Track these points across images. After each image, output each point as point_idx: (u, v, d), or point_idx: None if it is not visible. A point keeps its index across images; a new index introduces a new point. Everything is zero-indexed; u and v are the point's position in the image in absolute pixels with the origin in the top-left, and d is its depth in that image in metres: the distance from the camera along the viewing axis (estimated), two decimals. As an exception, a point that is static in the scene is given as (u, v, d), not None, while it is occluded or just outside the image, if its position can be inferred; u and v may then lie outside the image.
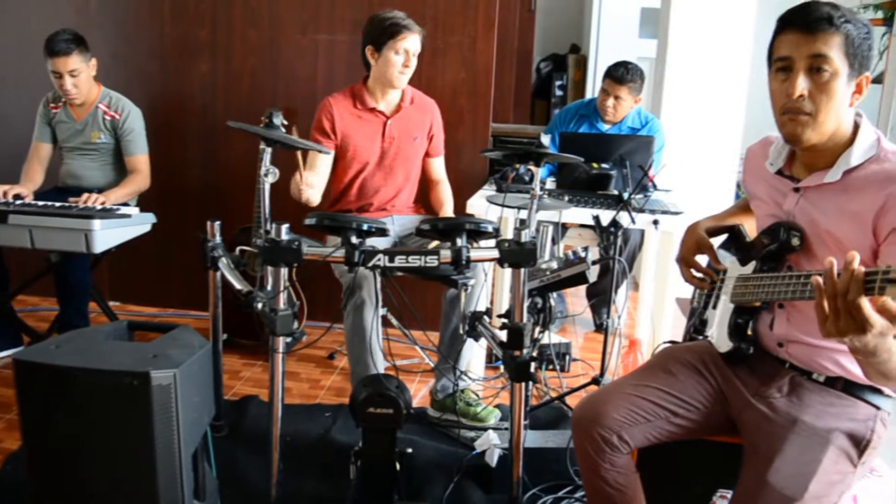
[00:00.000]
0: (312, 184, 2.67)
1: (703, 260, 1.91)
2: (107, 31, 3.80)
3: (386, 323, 2.81)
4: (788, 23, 1.54)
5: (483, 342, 2.45)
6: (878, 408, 1.60)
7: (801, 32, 1.51)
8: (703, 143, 4.37)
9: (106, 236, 2.85)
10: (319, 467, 2.50)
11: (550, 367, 3.21)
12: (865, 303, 1.19)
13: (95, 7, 3.80)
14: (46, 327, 3.43)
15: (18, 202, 3.04)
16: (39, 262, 3.12)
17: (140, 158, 3.37)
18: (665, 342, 2.18)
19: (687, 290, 2.06)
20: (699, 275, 1.91)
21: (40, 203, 3.03)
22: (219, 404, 2.53)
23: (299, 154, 2.43)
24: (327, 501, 2.31)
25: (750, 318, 1.75)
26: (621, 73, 3.54)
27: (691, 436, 1.78)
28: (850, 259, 1.20)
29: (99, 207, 2.99)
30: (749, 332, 1.75)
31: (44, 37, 3.14)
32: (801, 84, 1.51)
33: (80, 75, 3.18)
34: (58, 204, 3.00)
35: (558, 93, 7.58)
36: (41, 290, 3.53)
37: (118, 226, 2.91)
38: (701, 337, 1.93)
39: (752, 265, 1.74)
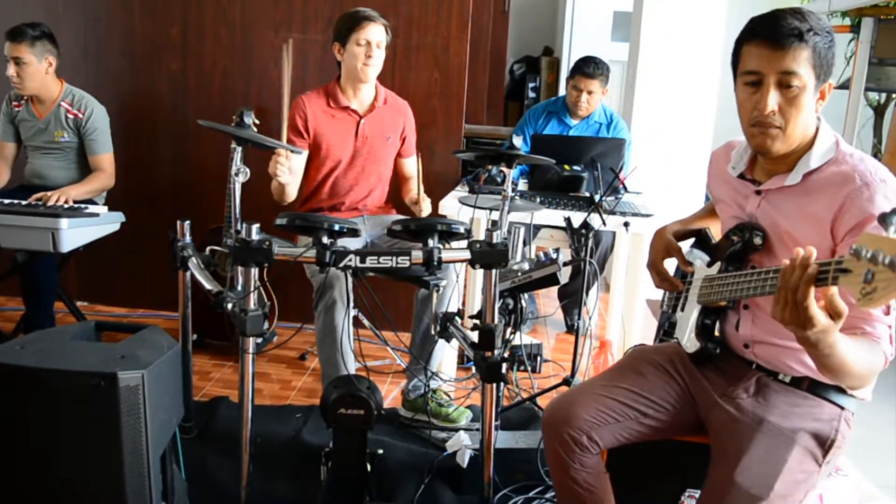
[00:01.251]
0: (292, 169, 2.66)
1: (672, 263, 1.93)
2: (76, 29, 3.75)
3: (357, 323, 2.81)
4: (756, 35, 1.54)
5: (454, 343, 2.45)
6: (842, 408, 1.63)
7: (770, 47, 1.51)
8: (674, 145, 4.43)
9: (73, 235, 2.82)
10: (290, 469, 2.49)
11: (522, 367, 3.25)
12: (812, 301, 1.23)
13: (63, 2, 3.75)
14: (12, 327, 3.37)
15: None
16: (4, 261, 3.06)
17: (103, 158, 3.32)
18: (636, 344, 2.20)
19: (657, 292, 2.08)
20: (667, 280, 1.93)
21: (6, 201, 2.98)
22: (188, 405, 2.51)
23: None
24: (298, 503, 2.30)
25: (716, 319, 1.78)
26: (592, 69, 3.59)
27: (660, 436, 1.80)
28: (805, 255, 1.23)
29: (62, 205, 2.95)
30: (716, 333, 1.78)
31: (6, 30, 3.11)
32: (772, 100, 1.53)
33: (26, 67, 3.12)
34: (24, 202, 2.96)
35: (531, 94, 7.62)
36: (6, 289, 3.47)
37: (86, 225, 2.89)
38: (671, 339, 1.95)
39: (717, 266, 1.77)
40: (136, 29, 3.73)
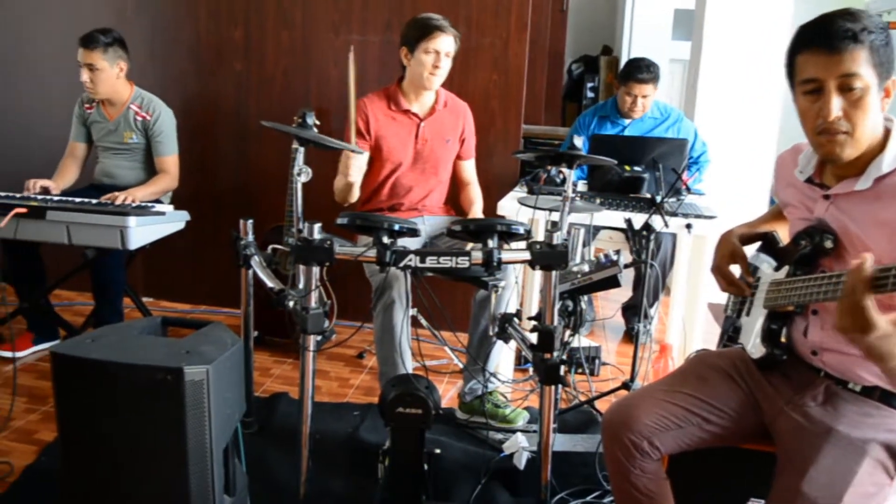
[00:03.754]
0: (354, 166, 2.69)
1: (736, 270, 1.89)
2: (144, 33, 3.86)
3: (415, 323, 2.82)
4: (809, 42, 1.49)
5: (512, 344, 2.45)
6: (917, 419, 1.57)
7: (825, 52, 1.46)
8: (738, 146, 4.33)
9: (140, 233, 2.88)
10: (347, 466, 2.51)
11: (580, 370, 3.21)
12: (868, 304, 1.20)
13: (133, 8, 3.86)
14: (82, 322, 3.49)
15: (55, 198, 3.09)
16: (75, 257, 3.16)
17: (168, 159, 3.41)
18: (698, 349, 2.16)
19: (719, 296, 2.03)
20: (733, 285, 1.89)
21: (77, 200, 3.08)
22: (249, 401, 2.55)
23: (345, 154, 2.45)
24: (354, 500, 2.32)
25: (783, 324, 1.72)
26: (645, 74, 3.55)
27: (723, 443, 1.76)
28: (860, 260, 1.20)
29: (129, 204, 3.04)
30: (783, 339, 1.73)
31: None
32: (836, 106, 1.48)
33: (98, 73, 3.22)
34: (94, 201, 3.05)
35: (590, 94, 7.55)
36: (77, 284, 3.59)
37: (153, 223, 2.95)
38: (735, 344, 1.91)
39: (785, 270, 1.72)
40: (201, 33, 3.82)
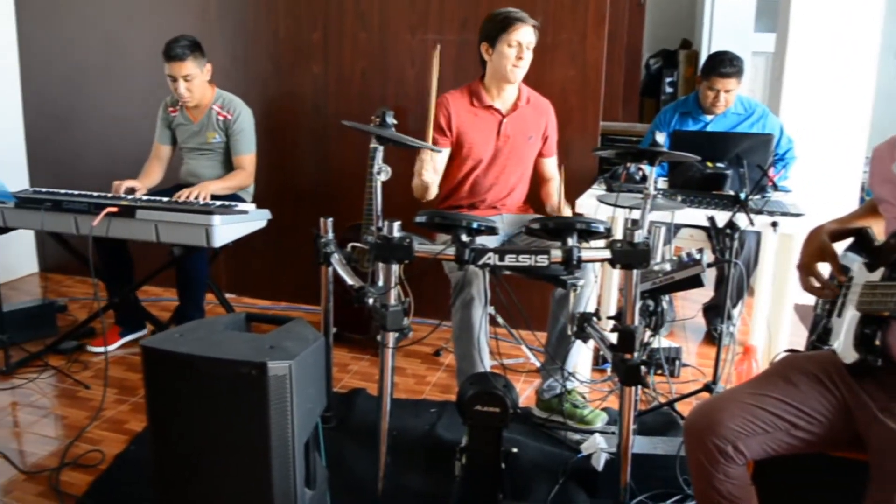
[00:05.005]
0: (435, 167, 2.70)
1: (825, 269, 1.81)
2: (226, 36, 3.97)
3: (492, 321, 2.81)
4: None
5: (590, 344, 2.42)
6: None
7: None
8: (826, 141, 4.16)
9: (225, 231, 2.96)
10: (424, 462, 2.52)
11: (659, 371, 3.15)
12: None
13: (215, 13, 3.97)
14: (167, 316, 3.61)
15: (145, 198, 3.21)
16: (162, 254, 3.28)
17: (246, 158, 3.49)
18: (785, 350, 2.08)
19: (807, 297, 1.96)
20: (818, 285, 1.81)
21: (165, 199, 3.19)
22: (328, 396, 2.59)
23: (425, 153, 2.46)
24: (432, 497, 2.33)
25: (878, 329, 1.64)
26: (728, 68, 3.44)
27: (812, 449, 1.70)
28: None
29: (203, 203, 3.12)
30: (877, 343, 1.65)
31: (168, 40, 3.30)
32: None
33: (194, 80, 3.33)
34: (181, 200, 3.15)
35: (668, 90, 7.39)
36: (163, 281, 3.71)
37: (236, 221, 3.02)
38: (825, 346, 1.83)
39: (880, 271, 1.64)
40: (281, 35, 3.90)
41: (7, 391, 3.03)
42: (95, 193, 3.25)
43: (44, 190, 3.40)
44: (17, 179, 4.41)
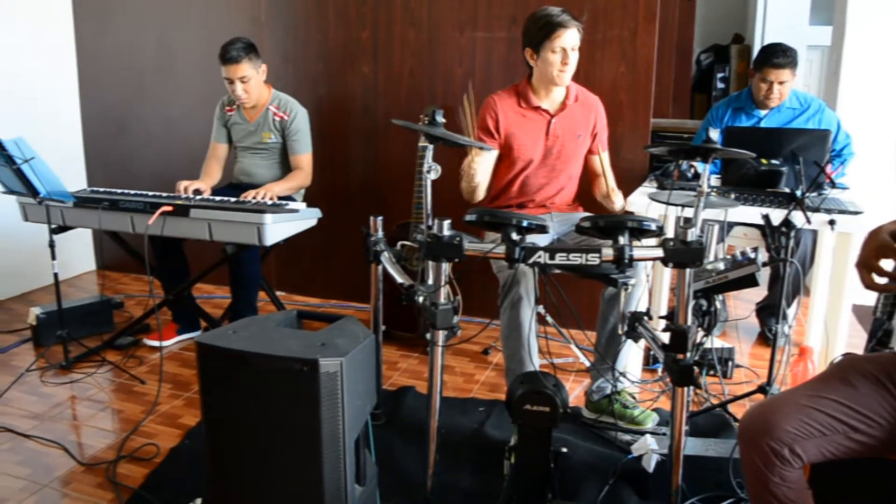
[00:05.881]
0: (480, 163, 2.68)
1: (888, 265, 1.76)
2: (278, 37, 4.02)
3: (541, 320, 2.79)
4: None
5: (641, 343, 2.38)
6: None
7: None
8: (886, 137, 4.04)
9: (276, 230, 3.00)
10: (473, 461, 2.52)
11: (712, 372, 3.09)
12: None
13: (267, 14, 4.03)
14: (220, 313, 3.67)
15: (198, 197, 3.27)
16: (215, 252, 3.33)
17: (303, 157, 3.53)
18: (843, 353, 2.03)
19: (865, 297, 1.90)
20: (882, 280, 1.76)
21: (218, 198, 3.24)
22: (378, 394, 2.61)
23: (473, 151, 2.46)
24: (480, 495, 2.32)
25: (944, 330, 1.60)
26: (781, 58, 3.36)
27: (872, 454, 1.65)
28: None
29: (268, 202, 3.17)
30: (942, 344, 1.60)
31: (221, 43, 3.36)
32: None
33: (250, 81, 3.38)
34: (233, 199, 3.21)
35: (720, 85, 7.27)
36: (216, 279, 3.78)
37: (287, 220, 3.06)
38: (885, 349, 1.78)
39: (946, 271, 1.59)
40: (331, 35, 3.94)
41: (66, 385, 3.12)
42: (151, 193, 3.33)
43: (101, 190, 3.49)
44: (75, 180, 4.55)
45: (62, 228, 3.30)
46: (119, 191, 3.42)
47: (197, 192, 3.35)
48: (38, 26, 4.33)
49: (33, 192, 3.04)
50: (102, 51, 4.51)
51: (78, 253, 4.76)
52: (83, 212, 3.23)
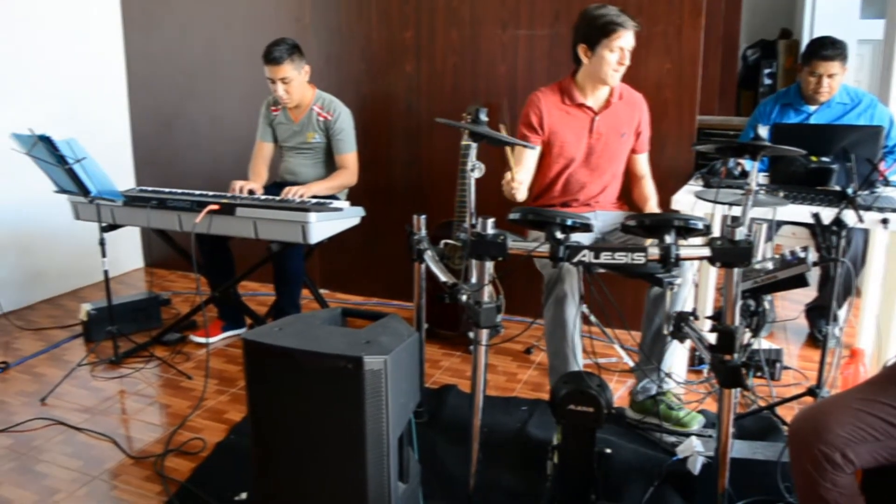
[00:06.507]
0: (521, 181, 2.68)
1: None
2: (320, 37, 4.05)
3: (584, 320, 2.77)
4: None
5: (686, 344, 2.35)
6: None
7: None
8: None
9: (320, 228, 3.03)
10: (515, 460, 2.51)
11: (759, 374, 3.04)
12: None
13: (310, 14, 4.06)
14: (265, 311, 3.71)
15: (252, 196, 3.31)
16: (260, 250, 3.37)
17: (348, 157, 3.55)
18: (898, 354, 1.98)
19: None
20: None
21: (263, 197, 3.28)
22: (421, 392, 2.61)
23: (508, 150, 2.44)
24: (523, 494, 2.32)
25: None
26: (830, 51, 3.28)
27: (927, 459, 1.61)
28: None
29: (298, 200, 3.19)
30: None
31: (266, 44, 3.40)
32: None
33: (291, 83, 3.41)
34: (279, 198, 3.24)
35: (766, 81, 7.13)
36: (261, 276, 3.82)
37: (331, 218, 3.08)
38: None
39: None
40: (373, 35, 3.96)
41: (116, 380, 3.19)
42: (197, 192, 3.38)
43: (149, 189, 3.56)
44: (124, 179, 4.65)
45: (112, 227, 3.37)
46: (167, 190, 3.48)
47: (251, 192, 3.39)
48: (89, 31, 4.43)
49: (84, 191, 3.12)
50: (150, 53, 4.59)
51: (127, 251, 4.86)
52: (132, 210, 3.30)
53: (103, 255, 3.19)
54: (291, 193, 3.26)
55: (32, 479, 2.45)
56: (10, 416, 2.87)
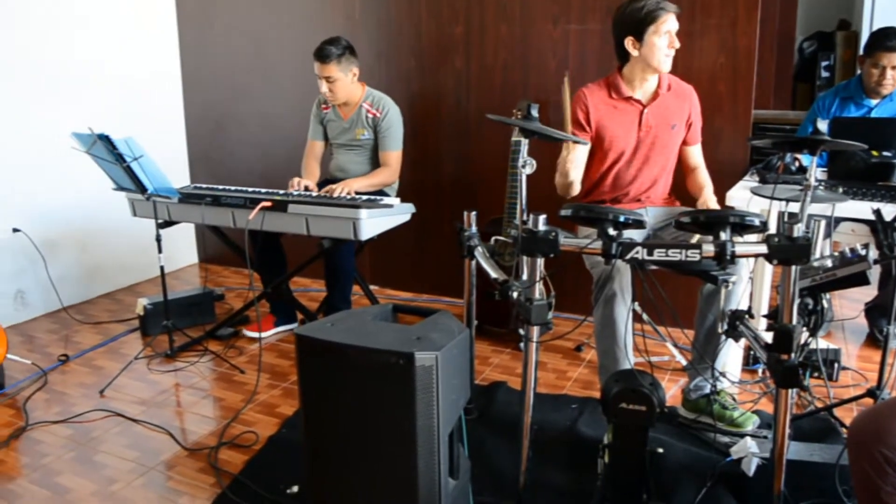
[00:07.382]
0: (576, 162, 2.66)
1: None
2: (370, 34, 4.08)
3: (636, 318, 2.74)
4: None
5: (741, 342, 2.31)
6: None
7: None
8: None
9: (371, 225, 3.05)
10: (565, 458, 2.50)
11: (816, 374, 2.96)
12: None
13: (360, 12, 4.09)
14: (316, 306, 3.76)
15: (296, 193, 3.35)
16: (311, 247, 3.41)
17: (392, 154, 3.57)
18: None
19: None
20: None
21: (314, 194, 3.32)
22: (471, 388, 2.61)
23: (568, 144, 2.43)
24: (574, 493, 2.30)
25: None
26: (895, 42, 3.18)
27: None
28: None
29: (349, 197, 3.22)
30: None
31: (316, 41, 3.43)
32: None
33: (336, 83, 3.44)
34: (327, 195, 3.27)
35: (824, 74, 6.94)
36: (312, 272, 3.87)
37: (382, 215, 3.10)
38: None
39: None
40: (423, 31, 3.96)
41: (171, 373, 3.26)
42: (251, 189, 3.43)
43: (204, 186, 3.63)
44: (179, 176, 4.75)
45: (168, 223, 3.44)
46: (221, 187, 3.55)
47: (307, 188, 3.43)
48: (144, 32, 4.53)
49: (142, 188, 3.19)
50: (204, 53, 4.68)
51: (182, 247, 4.97)
52: (187, 207, 3.37)
53: (159, 251, 3.26)
54: (337, 192, 3.29)
55: (91, 468, 2.52)
56: (70, 407, 2.96)
